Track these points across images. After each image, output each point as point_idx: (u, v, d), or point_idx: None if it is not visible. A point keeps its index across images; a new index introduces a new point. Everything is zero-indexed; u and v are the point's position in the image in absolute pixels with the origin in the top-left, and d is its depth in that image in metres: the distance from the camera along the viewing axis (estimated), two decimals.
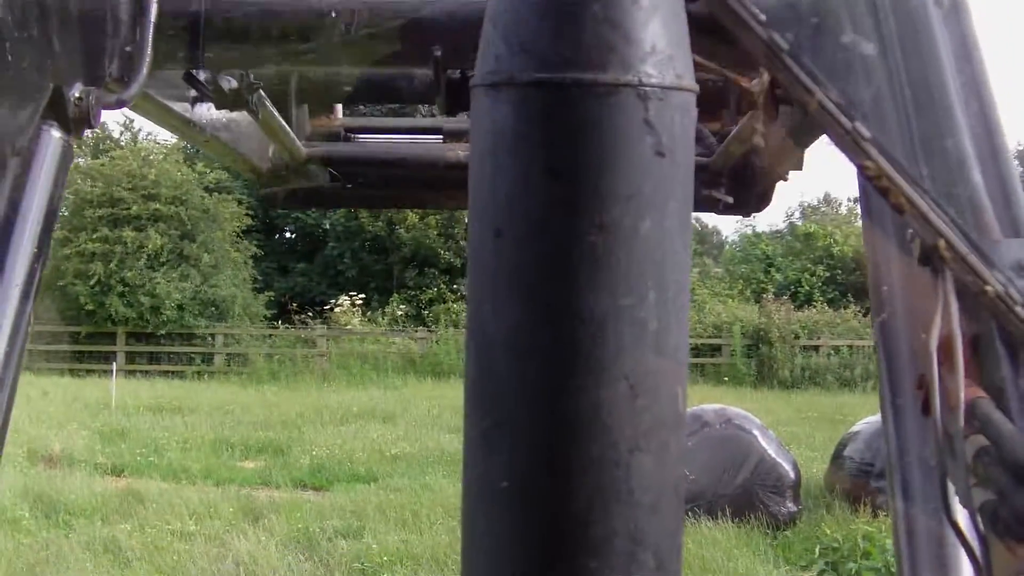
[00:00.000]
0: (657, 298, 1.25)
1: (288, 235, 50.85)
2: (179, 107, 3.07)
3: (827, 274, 41.82)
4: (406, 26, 2.63)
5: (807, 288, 41.24)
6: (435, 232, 42.70)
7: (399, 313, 39.74)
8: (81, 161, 39.43)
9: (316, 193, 4.20)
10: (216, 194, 41.89)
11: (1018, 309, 1.51)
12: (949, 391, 1.49)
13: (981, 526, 1.42)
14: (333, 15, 2.62)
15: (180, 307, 38.47)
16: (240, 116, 3.53)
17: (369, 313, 39.67)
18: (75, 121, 2.28)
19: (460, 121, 3.76)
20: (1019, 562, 1.37)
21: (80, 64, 2.34)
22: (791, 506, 16.05)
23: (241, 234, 42.66)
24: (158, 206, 38.41)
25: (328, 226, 46.43)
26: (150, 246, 37.95)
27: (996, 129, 1.74)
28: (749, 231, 52.35)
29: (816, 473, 18.10)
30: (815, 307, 38.82)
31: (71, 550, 14.01)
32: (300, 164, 3.94)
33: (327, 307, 39.59)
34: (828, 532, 14.72)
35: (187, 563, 13.80)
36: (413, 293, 42.21)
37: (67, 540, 14.49)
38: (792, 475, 16.27)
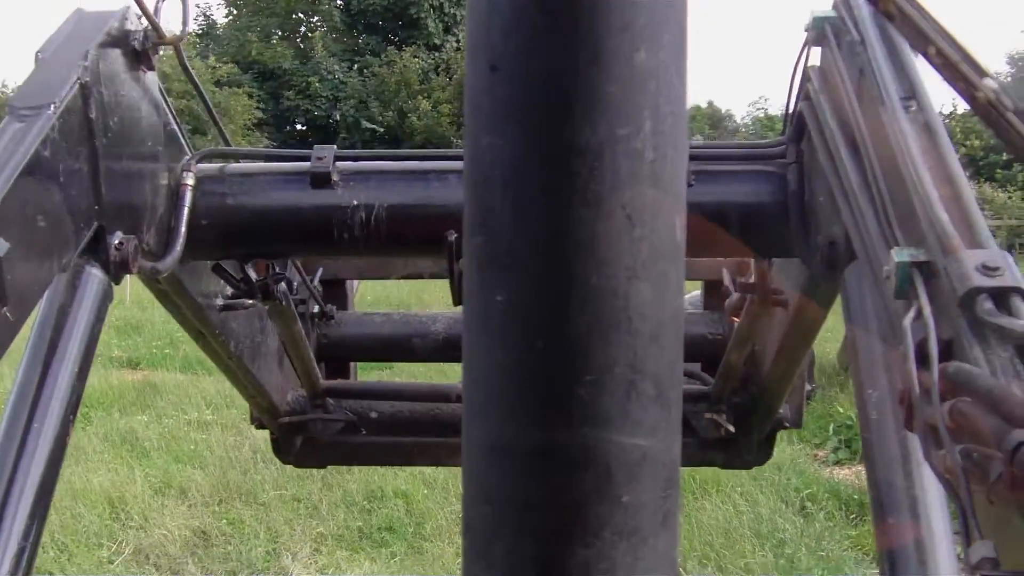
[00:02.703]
0: (653, 129, 1.22)
1: (299, 127, 50.78)
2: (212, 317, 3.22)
3: None
4: (423, 213, 2.83)
5: None
6: (447, 120, 42.61)
7: None
8: None
9: (332, 447, 4.36)
10: (227, 88, 41.86)
11: (1009, 115, 1.55)
12: (924, 381, 1.56)
13: (961, 473, 1.45)
14: (355, 203, 2.81)
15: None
16: (265, 347, 3.76)
17: None
18: (115, 265, 2.45)
19: None
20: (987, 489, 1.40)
21: (123, 217, 2.50)
22: (805, 385, 16.10)
23: (252, 127, 42.66)
24: (170, 100, 38.25)
25: (339, 117, 46.30)
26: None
27: (954, 169, 1.90)
28: (762, 114, 52.20)
29: (829, 353, 18.14)
30: None
31: (89, 442, 14.15)
32: (318, 396, 4.10)
33: None
34: (841, 410, 14.81)
35: (204, 452, 13.95)
36: None
37: (84, 432, 14.61)
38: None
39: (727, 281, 3.78)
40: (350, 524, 11.49)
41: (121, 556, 10.74)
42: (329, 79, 47.38)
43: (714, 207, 2.76)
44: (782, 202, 2.73)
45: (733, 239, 2.84)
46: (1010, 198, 33.81)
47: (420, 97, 44.16)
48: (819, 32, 2.51)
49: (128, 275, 2.54)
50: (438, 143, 42.71)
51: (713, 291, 4.15)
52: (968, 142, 41.38)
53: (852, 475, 12.98)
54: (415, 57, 46.83)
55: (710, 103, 68.80)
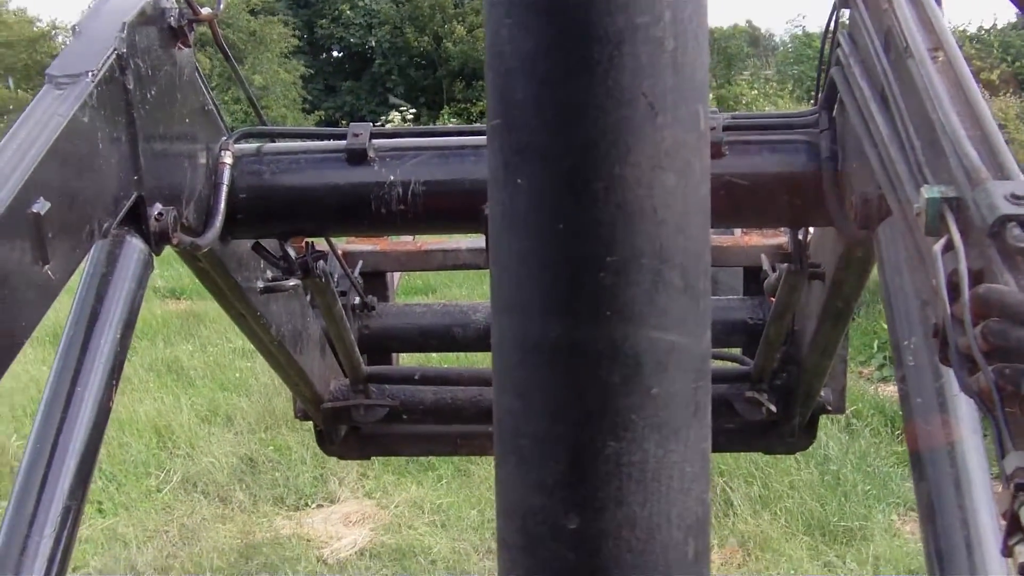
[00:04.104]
0: (673, 17, 1.23)
1: (336, 54, 50.66)
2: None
3: None
4: (459, 188, 2.83)
5: None
6: (483, 44, 42.45)
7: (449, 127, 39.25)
8: None
9: (375, 438, 4.48)
10: (262, 16, 41.82)
11: None
12: (956, 311, 1.56)
13: (995, 389, 1.44)
14: (391, 179, 2.83)
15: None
16: (307, 334, 3.78)
17: None
18: (155, 235, 2.49)
19: None
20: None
21: (162, 190, 2.53)
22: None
23: (289, 55, 42.65)
24: (204, 29, 38.25)
25: (375, 43, 46.17)
26: (203, 67, 38.03)
27: (982, 111, 1.88)
28: (800, 32, 51.73)
29: (873, 270, 18.06)
30: None
31: (135, 372, 14.29)
32: (360, 382, 4.13)
33: (377, 124, 39.39)
34: (884, 326, 14.72)
35: (249, 379, 14.07)
36: (463, 107, 42.09)
37: (130, 363, 14.73)
38: None
39: (766, 266, 3.79)
40: None
41: (169, 484, 10.90)
42: (361, 5, 47.24)
43: (748, 177, 2.77)
44: (816, 170, 2.75)
45: (769, 209, 2.89)
46: None
47: (455, 22, 43.90)
48: None
49: (168, 247, 2.56)
50: (475, 67, 42.58)
51: (752, 278, 4.18)
52: (1008, 57, 40.99)
53: (897, 392, 12.92)
54: None
55: (749, 22, 68.41)
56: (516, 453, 1.38)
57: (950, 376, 1.95)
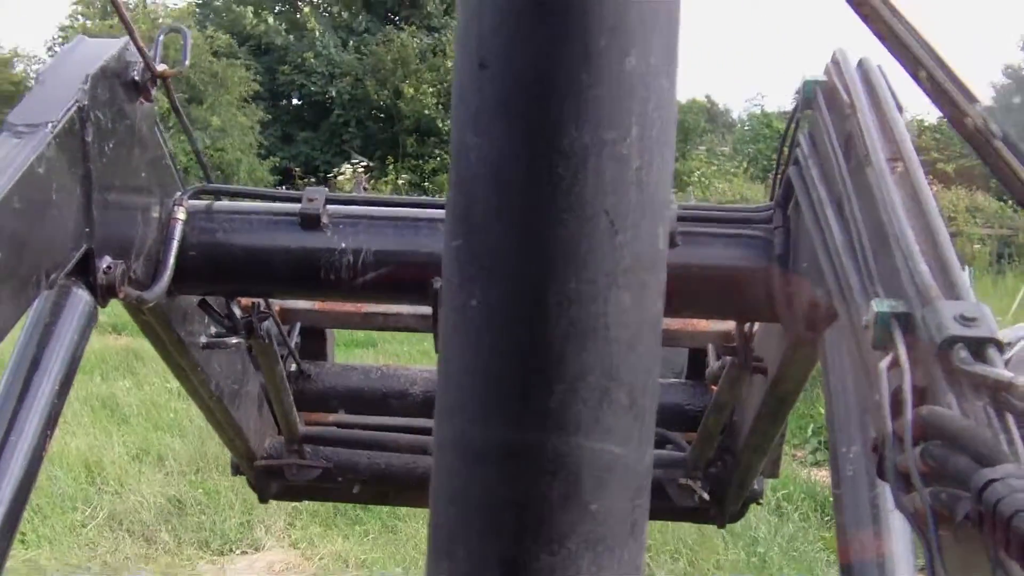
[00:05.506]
0: (640, 134, 1.23)
1: (295, 101, 50.55)
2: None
3: None
4: (410, 260, 2.83)
5: None
6: (433, 101, 42.32)
7: (400, 182, 39.17)
8: (89, 23, 39.47)
9: (308, 488, 4.37)
10: (224, 59, 41.66)
11: (996, 143, 1.57)
12: (897, 429, 1.57)
13: (930, 513, 1.45)
14: (343, 246, 2.81)
15: (186, 170, 38.26)
16: (246, 391, 3.75)
17: (372, 181, 38.97)
18: (102, 288, 2.46)
19: None
20: (954, 532, 1.42)
21: (112, 242, 2.51)
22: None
23: (248, 99, 42.48)
24: (166, 68, 37.94)
25: (335, 93, 46.09)
26: (158, 108, 37.76)
27: (936, 225, 1.89)
28: (758, 111, 52.10)
29: (815, 369, 18.13)
30: None
31: (69, 406, 14.00)
32: (296, 442, 4.09)
33: (331, 175, 39.27)
34: (822, 411, 14.80)
35: (184, 421, 13.91)
36: (416, 163, 41.94)
37: None
38: None
39: (711, 355, 3.80)
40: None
41: (95, 520, 10.75)
42: (324, 54, 47.08)
43: (699, 269, 2.79)
44: (767, 267, 2.75)
45: (716, 302, 2.89)
46: (1002, 207, 33.80)
47: (405, 84, 43.81)
48: (809, 96, 2.53)
49: (114, 299, 2.55)
50: (428, 125, 42.45)
51: (697, 361, 4.16)
52: (966, 150, 41.20)
53: (829, 477, 12.95)
54: (414, 37, 46.60)
55: (707, 97, 68.76)
56: (449, 560, 1.36)
57: (885, 489, 1.93)
